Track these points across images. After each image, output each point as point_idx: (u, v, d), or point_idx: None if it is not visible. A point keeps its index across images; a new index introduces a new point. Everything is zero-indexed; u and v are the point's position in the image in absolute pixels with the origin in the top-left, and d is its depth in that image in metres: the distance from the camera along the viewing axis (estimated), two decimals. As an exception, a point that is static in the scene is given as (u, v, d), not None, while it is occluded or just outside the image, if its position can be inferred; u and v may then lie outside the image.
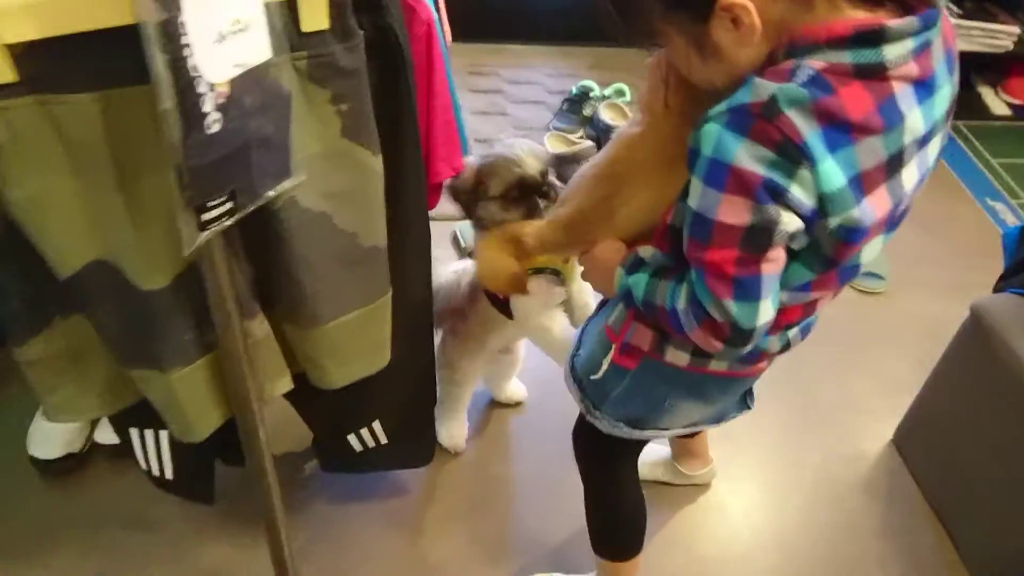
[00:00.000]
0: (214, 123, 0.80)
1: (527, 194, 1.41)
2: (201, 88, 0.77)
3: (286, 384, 1.21)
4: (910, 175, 0.87)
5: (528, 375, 2.03)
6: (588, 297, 1.56)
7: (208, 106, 0.79)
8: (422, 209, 1.22)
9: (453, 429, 1.86)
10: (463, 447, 1.89)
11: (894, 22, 0.79)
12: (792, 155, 0.79)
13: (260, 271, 1.07)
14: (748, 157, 0.79)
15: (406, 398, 1.50)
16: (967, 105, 3.25)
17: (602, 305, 1.29)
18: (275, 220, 1.00)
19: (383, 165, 1.08)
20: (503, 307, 1.52)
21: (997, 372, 1.62)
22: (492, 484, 1.86)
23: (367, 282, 1.15)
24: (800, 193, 0.80)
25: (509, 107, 3.00)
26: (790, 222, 0.82)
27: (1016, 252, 1.83)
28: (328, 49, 0.93)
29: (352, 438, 1.51)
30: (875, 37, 0.78)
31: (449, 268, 1.74)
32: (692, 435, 1.75)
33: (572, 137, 2.77)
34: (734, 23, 0.81)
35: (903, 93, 0.82)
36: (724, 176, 0.81)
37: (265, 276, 1.07)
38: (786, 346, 1.09)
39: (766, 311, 0.88)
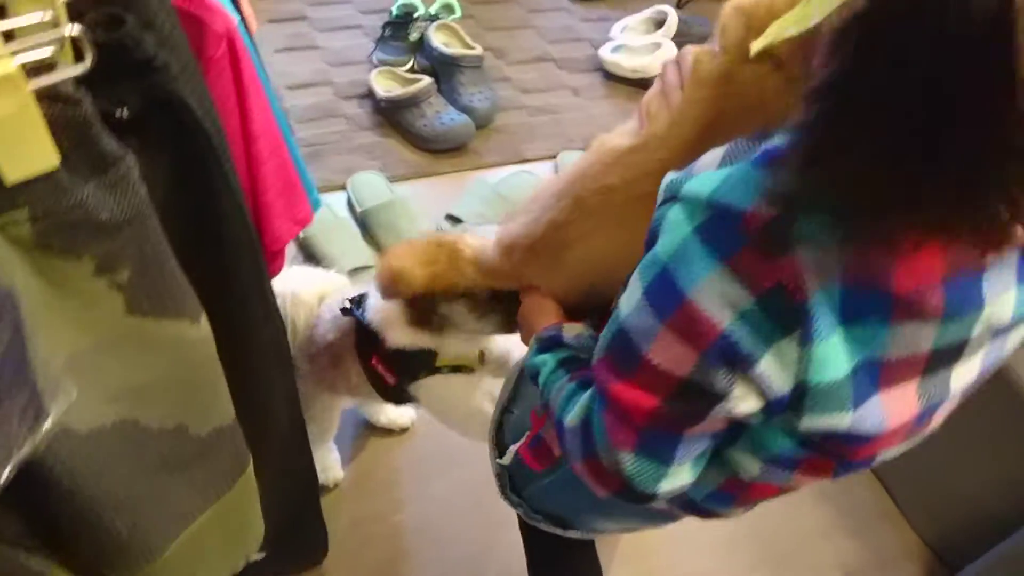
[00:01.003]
0: None
1: (506, 307, 1.00)
2: None
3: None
4: (966, 371, 0.58)
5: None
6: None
7: None
8: (274, 325, 0.82)
9: (324, 462, 1.55)
10: (341, 474, 1.59)
11: None
12: (781, 316, 0.50)
13: (36, 526, 0.65)
14: (713, 295, 0.51)
15: (284, 512, 1.14)
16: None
17: None
18: (42, 471, 0.58)
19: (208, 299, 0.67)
20: (391, 392, 1.16)
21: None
22: (397, 538, 1.57)
23: (215, 474, 0.76)
24: (773, 371, 0.52)
25: (319, 38, 2.46)
26: (743, 399, 0.54)
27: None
28: (69, 198, 0.50)
29: None
30: None
31: (286, 283, 1.26)
32: None
33: (402, 71, 2.31)
34: None
35: (1001, 267, 0.52)
36: (671, 304, 0.53)
37: (48, 528, 0.66)
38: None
39: (678, 477, 0.61)
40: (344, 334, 1.16)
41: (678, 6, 2.71)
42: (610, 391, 0.60)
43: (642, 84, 2.42)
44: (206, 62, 0.79)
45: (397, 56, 2.38)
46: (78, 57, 0.49)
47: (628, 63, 2.41)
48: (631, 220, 0.74)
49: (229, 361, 0.71)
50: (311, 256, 1.91)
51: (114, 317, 0.58)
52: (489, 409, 1.08)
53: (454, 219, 2.00)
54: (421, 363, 1.12)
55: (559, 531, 0.99)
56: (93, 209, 0.51)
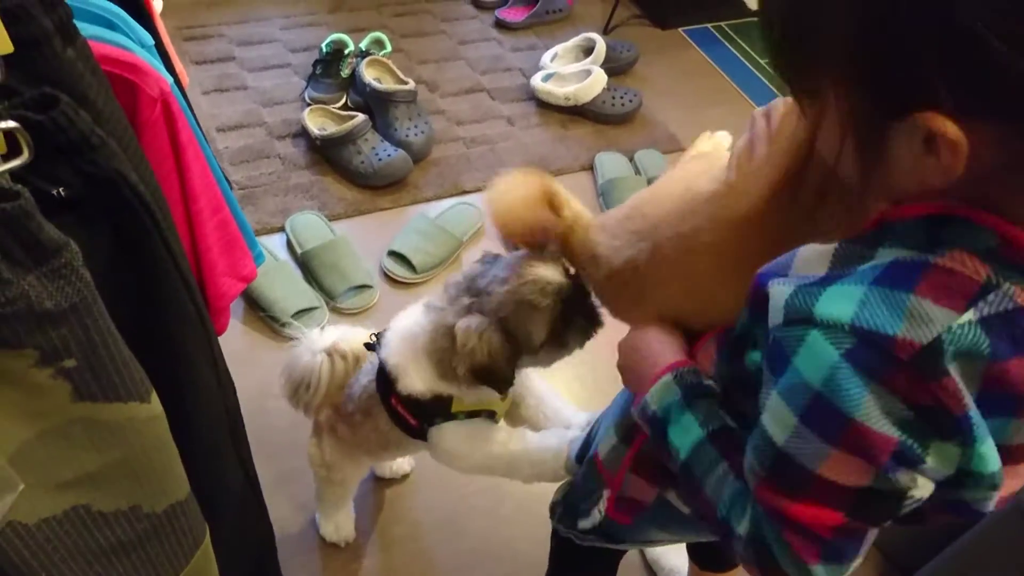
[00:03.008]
0: None
1: (577, 308, 0.99)
2: None
3: None
4: None
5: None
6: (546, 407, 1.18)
7: None
8: (226, 391, 0.80)
9: (340, 521, 1.52)
10: (352, 535, 1.55)
11: None
12: (940, 425, 0.52)
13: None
14: (879, 413, 0.52)
15: (242, 573, 1.11)
16: (725, 1, 3.18)
17: None
18: (-12, 571, 0.56)
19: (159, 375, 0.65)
20: (416, 432, 1.12)
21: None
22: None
23: (171, 550, 0.73)
24: (937, 464, 0.54)
25: (249, 78, 2.43)
26: (923, 488, 0.56)
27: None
28: (10, 290, 0.48)
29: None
30: None
31: (315, 341, 1.24)
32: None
33: (335, 108, 2.30)
34: (927, 146, 0.49)
35: None
36: (838, 429, 0.54)
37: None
38: None
39: (855, 564, 0.63)
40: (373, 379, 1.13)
41: (605, 32, 2.77)
42: (787, 512, 0.59)
43: (576, 111, 2.46)
44: (141, 125, 0.78)
45: (329, 93, 2.36)
46: (11, 145, 0.47)
47: (560, 91, 2.44)
48: (700, 274, 0.75)
49: (182, 433, 0.69)
50: (253, 302, 1.87)
51: (61, 405, 0.56)
52: (509, 452, 1.06)
53: (397, 255, 1.99)
54: (435, 409, 1.08)
55: (611, 546, 1.02)
56: (36, 299, 0.49)
